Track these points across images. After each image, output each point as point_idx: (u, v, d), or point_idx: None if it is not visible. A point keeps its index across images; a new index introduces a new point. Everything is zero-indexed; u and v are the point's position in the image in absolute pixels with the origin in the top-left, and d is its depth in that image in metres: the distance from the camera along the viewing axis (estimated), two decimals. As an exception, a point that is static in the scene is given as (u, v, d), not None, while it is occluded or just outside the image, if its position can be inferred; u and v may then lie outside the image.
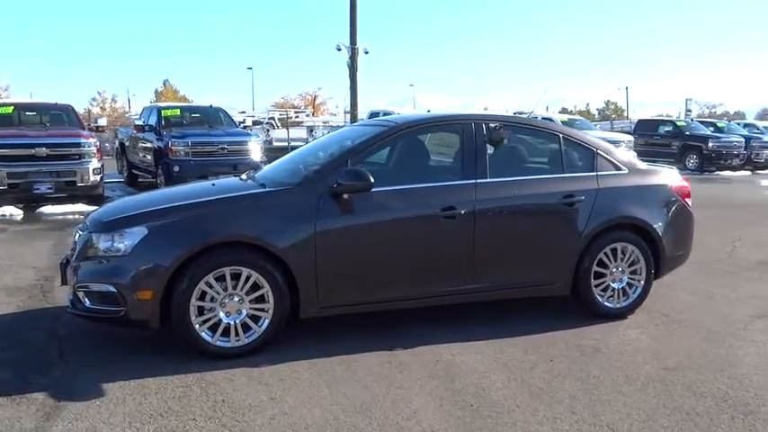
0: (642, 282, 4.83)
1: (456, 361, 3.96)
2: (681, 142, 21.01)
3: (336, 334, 4.34)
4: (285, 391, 3.50)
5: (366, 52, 19.71)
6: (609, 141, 5.89)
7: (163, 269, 3.77)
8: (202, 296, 3.86)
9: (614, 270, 4.76)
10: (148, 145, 13.36)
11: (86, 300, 3.96)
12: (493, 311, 4.81)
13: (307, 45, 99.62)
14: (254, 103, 53.31)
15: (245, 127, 15.86)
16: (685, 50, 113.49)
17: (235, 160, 12.53)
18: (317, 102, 59.34)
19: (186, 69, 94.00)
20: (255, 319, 3.98)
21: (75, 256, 4.07)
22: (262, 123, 20.78)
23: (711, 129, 22.55)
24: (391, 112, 16.73)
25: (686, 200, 5.06)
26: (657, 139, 21.62)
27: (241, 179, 4.86)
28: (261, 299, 3.96)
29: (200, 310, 3.87)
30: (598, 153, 4.86)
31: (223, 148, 12.42)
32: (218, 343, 3.91)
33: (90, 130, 13.47)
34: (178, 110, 13.67)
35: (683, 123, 22.68)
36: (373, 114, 17.46)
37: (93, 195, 11.43)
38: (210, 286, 3.85)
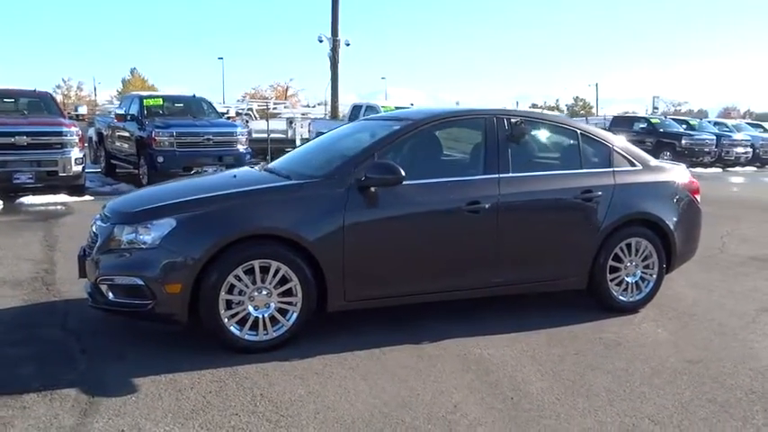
0: (655, 276, 4.93)
1: (484, 354, 3.98)
2: (655, 139, 21.43)
3: (359, 328, 4.32)
4: (322, 385, 3.48)
5: (347, 44, 19.64)
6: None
7: (193, 262, 3.70)
8: (230, 289, 3.80)
9: (628, 264, 4.84)
10: (130, 135, 13.09)
11: (110, 293, 3.87)
12: (507, 305, 4.84)
13: (278, 36, 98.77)
14: (225, 93, 52.67)
15: (228, 118, 15.66)
16: (652, 49, 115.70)
17: (220, 152, 12.39)
18: (288, 93, 58.88)
19: (154, 58, 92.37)
20: (283, 312, 3.94)
21: (96, 249, 3.97)
22: (241, 114, 20.53)
23: (684, 126, 23.05)
24: (376, 105, 16.67)
25: (696, 196, 5.17)
26: (633, 136, 21.91)
27: (257, 170, 4.80)
28: (288, 292, 3.92)
29: (228, 304, 3.82)
30: (614, 149, 4.93)
31: (208, 139, 12.25)
32: (246, 337, 3.86)
33: (70, 118, 13.12)
34: (161, 99, 13.40)
35: (657, 121, 23.14)
36: (356, 107, 17.40)
37: (75, 186, 11.16)
38: (239, 279, 3.80)
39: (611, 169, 4.84)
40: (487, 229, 4.36)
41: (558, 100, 75.85)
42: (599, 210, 4.67)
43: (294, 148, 19.78)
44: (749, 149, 23.00)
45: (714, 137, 22.00)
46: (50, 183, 10.79)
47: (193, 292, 3.76)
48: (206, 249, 3.70)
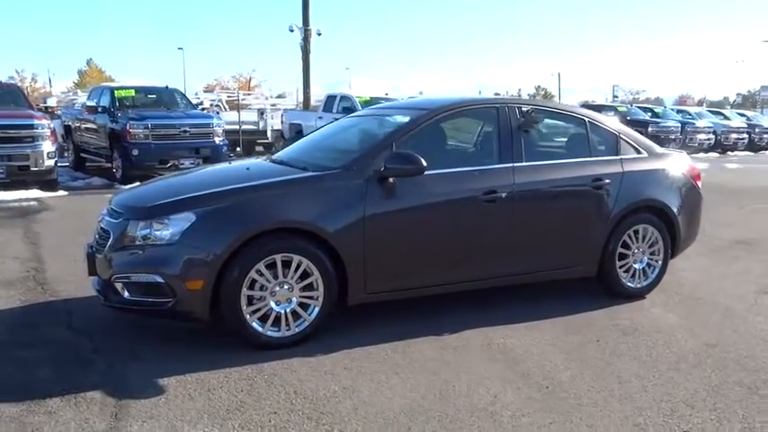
0: (660, 262, 5.00)
1: (507, 344, 3.98)
2: (623, 127, 21.75)
3: (377, 321, 4.27)
4: (354, 380, 3.42)
5: (319, 34, 19.42)
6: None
7: (214, 257, 3.59)
8: (252, 285, 3.71)
9: (636, 251, 4.89)
10: (101, 127, 12.72)
11: (125, 291, 3.74)
12: (516, 294, 4.84)
13: (239, 26, 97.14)
14: (186, 84, 51.59)
15: (203, 109, 15.33)
16: (611, 40, 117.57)
17: (197, 144, 12.15)
18: (251, 84, 58.05)
19: (111, 49, 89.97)
20: (304, 307, 3.86)
21: (109, 246, 3.82)
22: (212, 106, 20.14)
23: (649, 114, 23.51)
24: (351, 95, 16.52)
25: (697, 182, 5.25)
26: (600, 124, 22.34)
27: (266, 162, 4.69)
28: (309, 287, 3.85)
29: (250, 300, 3.73)
30: (620, 137, 4.96)
31: (185, 131, 11.99)
32: (268, 333, 3.77)
33: (39, 111, 12.68)
34: (133, 90, 13.05)
35: (624, 109, 23.55)
36: (330, 97, 17.20)
37: (47, 181, 10.81)
38: (261, 274, 3.71)
39: (619, 157, 4.87)
40: (504, 219, 4.35)
41: (519, 90, 76.55)
42: (609, 197, 4.71)
43: (266, 139, 19.64)
44: (711, 136, 23.61)
45: (679, 124, 22.50)
46: (22, 178, 10.43)
47: (214, 289, 3.65)
48: (228, 244, 3.60)
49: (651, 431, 2.94)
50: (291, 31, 18.99)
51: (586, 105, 24.72)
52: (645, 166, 4.95)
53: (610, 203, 4.71)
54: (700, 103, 68.27)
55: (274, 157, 4.90)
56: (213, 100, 21.10)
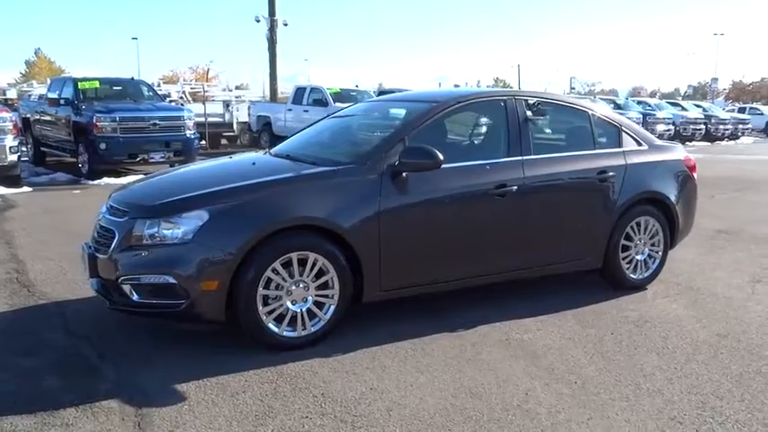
0: (660, 253, 5.05)
1: (524, 339, 3.94)
2: (587, 118, 22.07)
3: (389, 319, 4.18)
4: (380, 380, 3.33)
5: (285, 24, 19.09)
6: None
7: (230, 256, 3.45)
8: (267, 284, 3.58)
9: (638, 243, 4.92)
10: (64, 120, 12.23)
11: (134, 293, 3.56)
12: (521, 288, 4.82)
13: (195, 16, 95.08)
14: (141, 76, 50.19)
15: (171, 101, 14.90)
16: (568, 32, 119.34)
17: (167, 137, 11.78)
18: (209, 75, 56.89)
19: (60, 38, 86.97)
20: (320, 306, 3.75)
21: (114, 246, 3.63)
22: (179, 97, 19.61)
23: (612, 105, 23.88)
24: (321, 87, 16.26)
25: (693, 173, 5.31)
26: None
27: (270, 156, 4.55)
28: (324, 285, 3.74)
29: (265, 300, 3.60)
30: (622, 129, 4.98)
31: (155, 124, 11.60)
32: (285, 333, 3.65)
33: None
34: (97, 82, 12.56)
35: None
36: (300, 89, 16.91)
37: (10, 176, 10.34)
38: (277, 273, 3.58)
39: (622, 149, 4.89)
40: (515, 212, 4.31)
41: (479, 81, 77.05)
42: (613, 190, 4.72)
43: (232, 131, 19.25)
44: (671, 127, 24.16)
45: (641, 115, 22.95)
46: (-17, 174, 9.95)
47: (228, 289, 3.51)
48: (245, 242, 3.46)
49: (688, 424, 2.94)
50: (258, 21, 18.63)
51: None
52: (646, 158, 4.97)
53: (614, 196, 4.72)
54: (653, 95, 70.01)
55: (275, 151, 4.75)
56: (179, 91, 20.56)
